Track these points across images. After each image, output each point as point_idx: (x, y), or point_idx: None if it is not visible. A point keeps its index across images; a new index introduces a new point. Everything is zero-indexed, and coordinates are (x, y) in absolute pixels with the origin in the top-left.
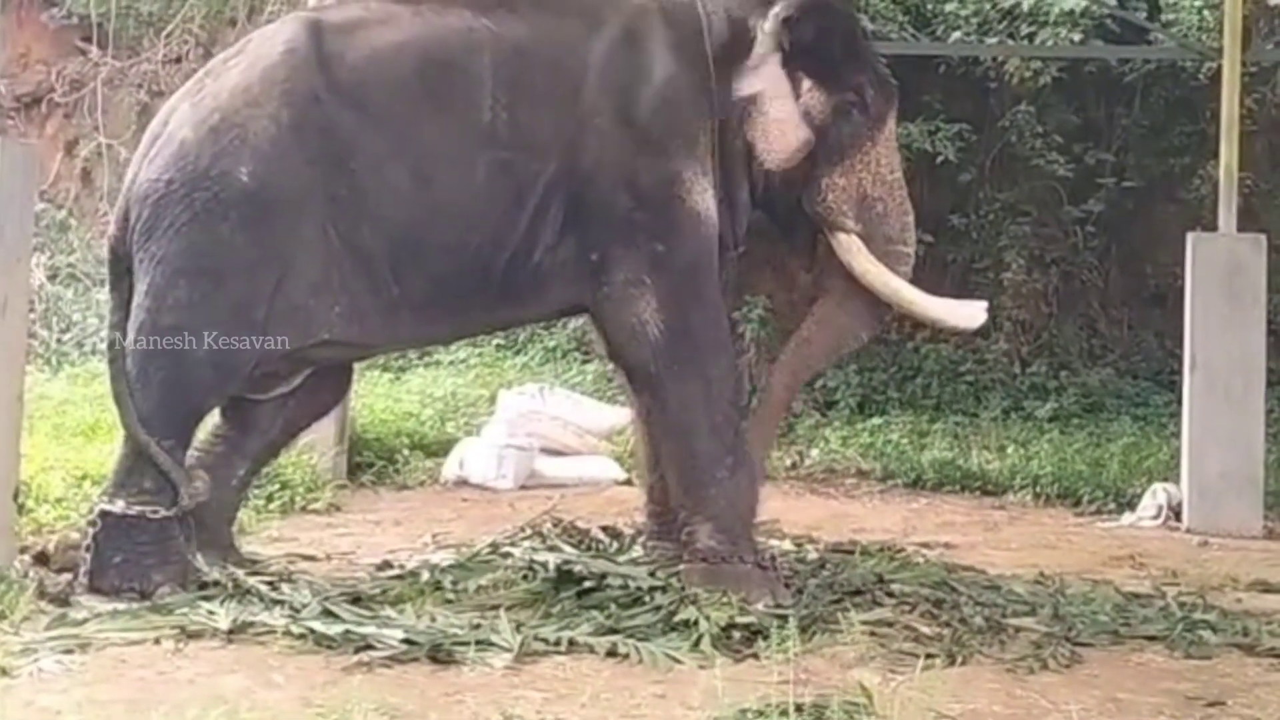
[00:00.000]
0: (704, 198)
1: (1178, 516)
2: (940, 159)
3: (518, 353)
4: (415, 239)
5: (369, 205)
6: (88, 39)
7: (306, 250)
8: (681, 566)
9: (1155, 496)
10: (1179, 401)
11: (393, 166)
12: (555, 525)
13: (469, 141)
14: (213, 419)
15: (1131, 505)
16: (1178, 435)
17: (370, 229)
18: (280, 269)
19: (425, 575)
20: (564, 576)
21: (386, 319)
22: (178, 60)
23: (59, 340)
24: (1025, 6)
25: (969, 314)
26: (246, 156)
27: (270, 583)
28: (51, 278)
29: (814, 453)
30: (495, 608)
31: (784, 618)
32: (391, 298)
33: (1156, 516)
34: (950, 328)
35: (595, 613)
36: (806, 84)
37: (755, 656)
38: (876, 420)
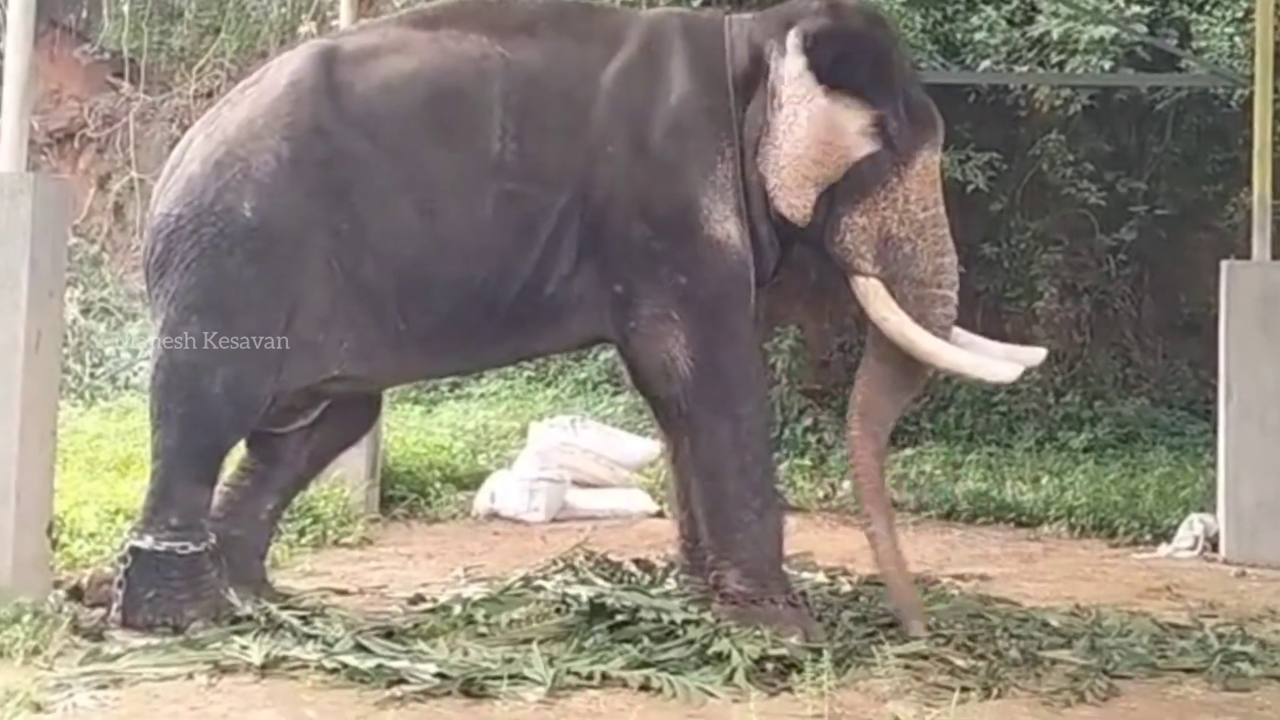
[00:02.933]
0: (724, 226)
1: (1214, 547)
2: (971, 188)
3: (549, 385)
4: (420, 273)
5: (371, 239)
6: (120, 74)
7: (313, 286)
8: (712, 607)
9: (1192, 527)
10: (1214, 431)
11: (397, 199)
12: (587, 558)
13: (477, 173)
14: (239, 452)
15: (1168, 536)
16: (1214, 465)
17: (374, 263)
18: (289, 304)
19: (457, 609)
20: (596, 610)
21: (394, 354)
22: (209, 95)
23: (92, 375)
24: (1055, 35)
25: (998, 368)
26: (249, 191)
27: (303, 617)
28: (84, 312)
29: (847, 484)
30: (528, 641)
31: (818, 651)
32: (398, 332)
33: (1193, 547)
34: (978, 381)
35: (628, 646)
36: None
37: (789, 690)
38: (909, 451)
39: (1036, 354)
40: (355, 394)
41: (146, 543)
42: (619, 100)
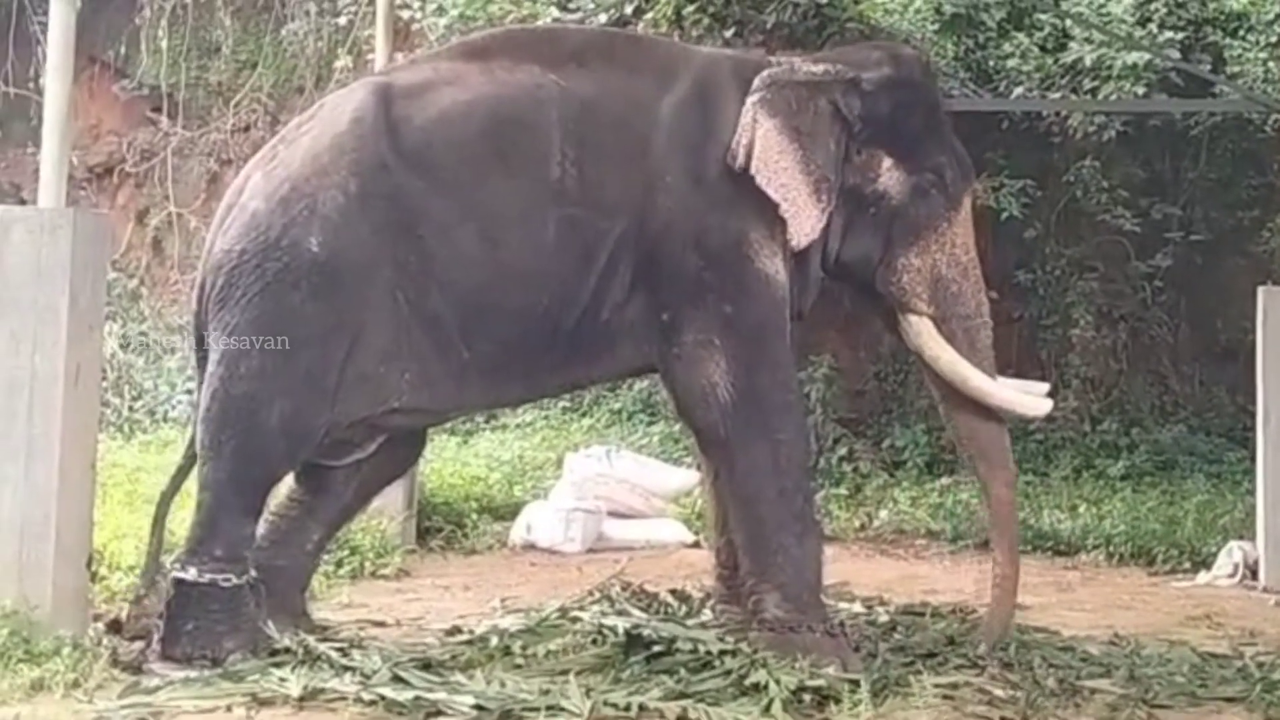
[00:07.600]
0: (772, 261)
1: (1254, 575)
2: (1005, 215)
3: (584, 415)
4: (484, 302)
5: (437, 271)
6: (158, 109)
7: (376, 319)
8: (749, 635)
9: (1231, 555)
10: (1253, 458)
11: (460, 230)
12: (624, 589)
13: (538, 200)
14: (288, 482)
15: (1207, 564)
16: (1252, 492)
17: (439, 294)
18: (351, 338)
19: (494, 640)
20: (633, 641)
21: (456, 384)
22: (246, 129)
23: (131, 408)
24: (1088, 61)
25: (1034, 402)
26: (315, 227)
27: (341, 649)
28: (123, 346)
29: (883, 514)
30: (565, 673)
31: (856, 681)
32: (461, 362)
33: (1233, 575)
34: (1017, 416)
35: (665, 677)
36: (886, 163)
37: None
38: (945, 480)
39: (1040, 387)
40: (410, 428)
41: (190, 574)
42: (676, 133)
